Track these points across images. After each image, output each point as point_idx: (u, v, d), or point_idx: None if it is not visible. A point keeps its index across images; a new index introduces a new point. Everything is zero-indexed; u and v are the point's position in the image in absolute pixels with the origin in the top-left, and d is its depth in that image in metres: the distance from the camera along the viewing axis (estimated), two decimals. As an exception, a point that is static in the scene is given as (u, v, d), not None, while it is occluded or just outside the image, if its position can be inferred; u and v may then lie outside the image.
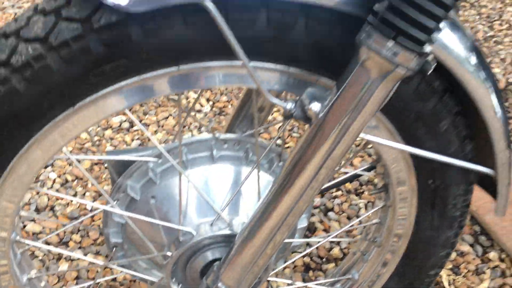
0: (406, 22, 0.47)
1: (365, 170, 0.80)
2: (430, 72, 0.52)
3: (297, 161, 0.58)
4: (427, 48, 0.50)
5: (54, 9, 0.50)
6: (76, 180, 1.40)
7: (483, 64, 0.61)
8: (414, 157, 0.68)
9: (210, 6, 0.48)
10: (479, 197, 1.28)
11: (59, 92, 0.53)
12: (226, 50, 0.52)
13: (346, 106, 0.53)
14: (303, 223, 0.80)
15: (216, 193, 0.70)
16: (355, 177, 1.12)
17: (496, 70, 1.81)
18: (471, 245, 1.23)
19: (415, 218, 0.76)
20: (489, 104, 0.62)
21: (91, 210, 1.31)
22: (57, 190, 1.38)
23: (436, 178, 0.71)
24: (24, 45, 0.50)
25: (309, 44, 0.55)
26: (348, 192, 1.38)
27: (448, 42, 0.58)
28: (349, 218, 1.32)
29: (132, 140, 1.54)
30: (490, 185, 0.72)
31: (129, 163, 0.71)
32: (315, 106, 0.55)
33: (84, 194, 1.36)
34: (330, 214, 1.32)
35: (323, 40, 0.55)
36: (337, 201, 1.36)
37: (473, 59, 0.60)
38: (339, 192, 1.38)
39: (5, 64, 0.50)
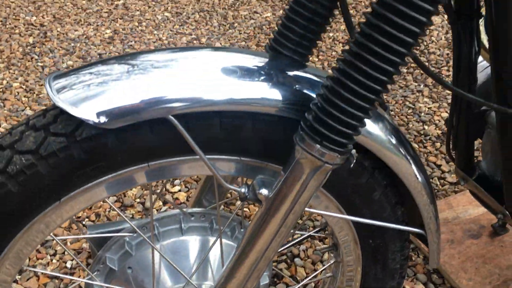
0: (329, 131, 0.59)
1: (317, 232, 0.92)
2: (353, 163, 0.64)
3: (254, 232, 0.69)
4: (350, 146, 0.62)
5: (43, 125, 0.61)
6: (54, 240, 1.47)
7: (402, 141, 0.74)
8: (355, 222, 0.80)
9: (173, 119, 0.60)
10: (430, 238, 1.41)
11: (47, 191, 0.63)
12: (188, 148, 0.63)
13: (289, 192, 0.65)
14: (265, 280, 0.90)
15: (186, 261, 0.80)
16: (309, 237, 1.24)
17: (444, 115, 1.97)
18: (424, 284, 1.35)
19: (362, 271, 0.87)
20: (410, 173, 0.75)
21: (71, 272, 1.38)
22: (37, 250, 1.44)
23: (375, 238, 0.82)
24: (18, 156, 0.60)
25: (256, 140, 0.67)
26: (313, 238, 1.49)
27: (371, 129, 0.70)
28: (313, 263, 1.42)
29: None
30: (425, 238, 0.84)
31: (108, 237, 0.81)
32: (264, 191, 0.66)
33: (63, 253, 1.43)
34: (296, 260, 1.43)
35: (268, 136, 0.67)
36: (302, 247, 1.46)
37: (393, 140, 0.72)
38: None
39: (2, 172, 0.60)
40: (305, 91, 0.66)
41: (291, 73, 0.68)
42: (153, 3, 2.80)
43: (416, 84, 2.14)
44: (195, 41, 2.43)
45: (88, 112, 0.58)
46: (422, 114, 1.97)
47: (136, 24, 2.56)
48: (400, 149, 0.73)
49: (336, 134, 0.59)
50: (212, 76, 0.63)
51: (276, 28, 0.74)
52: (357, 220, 0.77)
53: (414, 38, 0.55)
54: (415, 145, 1.81)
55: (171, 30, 2.52)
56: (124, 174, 0.65)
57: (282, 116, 0.65)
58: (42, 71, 2.12)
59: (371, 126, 0.70)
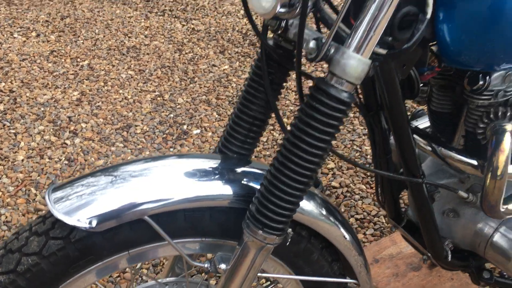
0: (268, 220, 0.77)
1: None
2: (289, 240, 0.83)
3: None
4: (286, 228, 0.81)
5: (44, 231, 0.77)
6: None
7: (331, 211, 0.93)
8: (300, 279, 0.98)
9: (148, 219, 0.77)
10: (377, 273, 1.60)
11: (48, 283, 0.78)
12: (160, 237, 0.80)
13: (241, 266, 0.82)
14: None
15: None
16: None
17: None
18: (375, 316, 1.53)
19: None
20: (339, 235, 0.93)
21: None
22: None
23: (319, 289, 1.01)
24: (26, 258, 0.76)
25: (215, 225, 0.85)
26: None
27: (304, 206, 0.89)
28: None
29: None
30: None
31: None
32: (222, 266, 0.84)
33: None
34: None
35: (224, 221, 0.85)
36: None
37: (323, 211, 0.91)
38: None
39: (13, 271, 0.76)
40: (250, 184, 0.85)
41: (239, 170, 0.87)
42: (117, 61, 2.98)
43: (362, 127, 2.37)
44: (158, 98, 2.60)
45: (79, 220, 0.75)
46: (369, 156, 2.19)
47: (102, 84, 2.72)
48: (330, 218, 0.93)
49: (274, 222, 0.78)
50: (177, 181, 0.81)
51: (223, 131, 0.93)
52: (300, 278, 0.95)
53: (333, 135, 0.74)
54: (363, 186, 2.02)
55: (135, 88, 2.69)
56: (110, 261, 0.82)
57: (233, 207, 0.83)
58: (15, 137, 2.25)
59: (304, 203, 0.89)
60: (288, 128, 0.77)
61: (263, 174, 0.85)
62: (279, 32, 0.82)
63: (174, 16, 3.67)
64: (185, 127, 2.37)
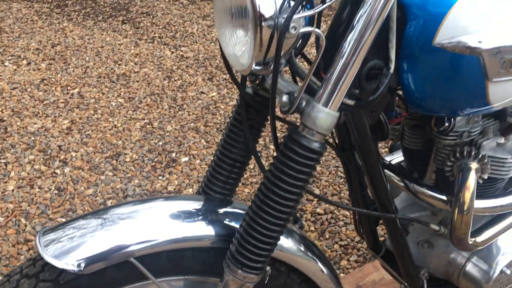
0: (247, 260, 0.82)
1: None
2: (267, 278, 0.87)
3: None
4: (265, 266, 0.85)
5: (34, 274, 0.81)
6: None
7: (309, 246, 0.98)
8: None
9: (134, 261, 0.82)
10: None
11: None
12: (144, 277, 0.85)
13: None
14: None
15: None
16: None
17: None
18: None
19: None
20: (317, 269, 0.98)
21: None
22: None
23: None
24: None
25: (197, 263, 0.90)
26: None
27: (283, 244, 0.94)
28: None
29: None
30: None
31: None
32: (205, 302, 0.88)
33: None
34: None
35: (206, 260, 0.90)
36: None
37: (302, 247, 0.97)
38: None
39: None
40: (231, 224, 0.90)
41: (220, 210, 0.92)
42: (107, 89, 3.03)
43: (347, 154, 2.44)
44: (148, 126, 2.66)
45: (68, 263, 0.79)
46: (353, 182, 2.24)
47: (92, 112, 2.77)
48: (308, 253, 0.98)
49: (252, 262, 0.83)
50: (162, 223, 0.86)
51: (206, 173, 0.98)
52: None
53: (306, 180, 0.80)
54: (347, 213, 2.08)
55: (125, 116, 2.75)
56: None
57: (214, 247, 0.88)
58: (5, 167, 2.28)
59: (283, 241, 0.94)
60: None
61: (243, 215, 0.90)
62: (257, 82, 0.88)
63: (163, 43, 3.74)
64: (173, 155, 2.42)
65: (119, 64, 3.41)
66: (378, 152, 0.99)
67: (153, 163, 2.36)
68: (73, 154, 2.39)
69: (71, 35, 3.92)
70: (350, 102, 0.81)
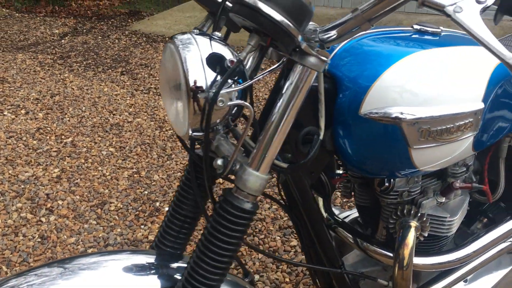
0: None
1: None
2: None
3: None
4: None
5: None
6: None
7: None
8: None
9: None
10: None
11: None
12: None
13: None
14: None
15: None
16: None
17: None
18: None
19: None
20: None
21: None
22: None
23: None
24: None
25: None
26: None
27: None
28: None
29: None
30: None
31: None
32: None
33: None
34: None
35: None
36: None
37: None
38: None
39: None
40: (179, 277, 0.96)
41: (170, 265, 0.98)
42: (99, 139, 3.14)
43: (327, 205, 2.49)
44: (135, 175, 2.73)
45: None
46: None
47: (83, 161, 2.86)
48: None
49: None
50: (115, 276, 0.92)
51: (159, 229, 1.05)
52: None
53: (240, 238, 0.86)
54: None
55: (114, 165, 2.83)
56: None
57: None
58: (-7, 215, 2.35)
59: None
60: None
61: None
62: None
63: (158, 93, 3.88)
64: (157, 204, 2.49)
65: (114, 114, 3.53)
66: (320, 210, 1.05)
67: (137, 212, 2.41)
68: (60, 202, 2.46)
69: (71, 85, 4.08)
70: (283, 165, 0.89)
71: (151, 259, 0.99)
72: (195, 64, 0.78)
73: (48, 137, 3.13)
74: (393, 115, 0.87)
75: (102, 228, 2.29)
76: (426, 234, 1.10)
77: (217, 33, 0.84)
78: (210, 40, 0.82)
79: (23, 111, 3.51)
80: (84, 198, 2.51)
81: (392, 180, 1.07)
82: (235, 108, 0.85)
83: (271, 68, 0.85)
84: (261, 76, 0.83)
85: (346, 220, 1.36)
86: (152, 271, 0.96)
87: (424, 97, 0.89)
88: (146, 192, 2.58)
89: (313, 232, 1.07)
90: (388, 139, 0.91)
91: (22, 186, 2.58)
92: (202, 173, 1.01)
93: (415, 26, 1.03)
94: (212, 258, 0.85)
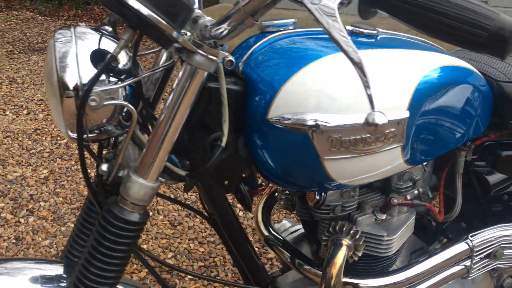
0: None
1: None
2: None
3: None
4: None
5: None
6: None
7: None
8: None
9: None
10: None
11: None
12: None
13: None
14: None
15: None
16: None
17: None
18: None
19: None
20: None
21: None
22: None
23: None
24: None
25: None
26: None
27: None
28: None
29: None
30: None
31: None
32: None
33: None
34: None
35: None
36: None
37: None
38: None
39: None
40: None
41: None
42: (93, 141, 3.12)
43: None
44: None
45: None
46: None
47: (73, 163, 2.85)
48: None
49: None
50: (19, 286, 0.87)
51: (69, 238, 0.99)
52: None
53: (127, 251, 0.79)
54: (298, 279, 2.01)
55: (103, 168, 2.80)
56: None
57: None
58: (-25, 214, 2.35)
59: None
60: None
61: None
62: (110, 148, 0.90)
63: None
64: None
65: (113, 117, 3.52)
66: (238, 224, 0.98)
67: (117, 217, 2.37)
68: (42, 204, 2.44)
69: (76, 87, 4.10)
70: (182, 173, 0.82)
71: (59, 269, 0.94)
72: (70, 60, 0.72)
73: (44, 138, 3.14)
74: (299, 122, 0.79)
75: (78, 231, 2.26)
76: (359, 254, 1.01)
77: (107, 27, 0.78)
78: (101, 35, 0.77)
79: (24, 112, 3.54)
80: (67, 201, 2.49)
81: (323, 193, 0.98)
82: (125, 108, 0.79)
83: (161, 66, 0.78)
84: (147, 74, 0.76)
85: (296, 234, 1.28)
86: (57, 281, 0.90)
87: (335, 103, 0.80)
88: (129, 197, 2.54)
89: (235, 248, 0.99)
90: (298, 147, 0.83)
91: (9, 186, 2.58)
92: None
93: (348, 27, 0.94)
94: (95, 272, 0.79)
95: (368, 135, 0.81)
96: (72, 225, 2.30)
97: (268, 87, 0.82)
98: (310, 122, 0.78)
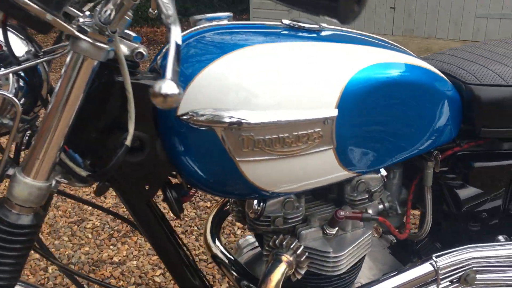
0: None
1: None
2: None
3: None
4: None
5: None
6: None
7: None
8: None
9: None
10: None
11: None
12: None
13: None
14: None
15: None
16: None
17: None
18: None
19: None
20: None
21: None
22: None
23: None
24: None
25: None
26: None
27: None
28: None
29: None
30: None
31: None
32: None
33: None
34: None
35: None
36: None
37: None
38: None
39: None
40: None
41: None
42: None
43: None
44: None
45: None
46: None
47: (79, 177, 2.85)
48: None
49: None
50: None
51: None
52: None
53: (22, 256, 0.73)
54: None
55: (108, 183, 2.79)
56: None
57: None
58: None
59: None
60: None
61: None
62: None
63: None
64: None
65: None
66: (165, 231, 0.90)
67: (112, 232, 2.33)
68: (41, 216, 2.44)
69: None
70: (83, 173, 0.75)
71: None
72: None
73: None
74: (207, 118, 0.71)
75: (72, 245, 2.23)
76: (302, 272, 0.90)
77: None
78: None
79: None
80: (66, 214, 2.48)
81: (262, 203, 0.89)
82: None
83: (50, 55, 0.73)
84: (29, 64, 0.70)
85: (258, 250, 1.18)
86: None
87: (249, 98, 0.72)
88: (127, 212, 2.50)
89: (164, 262, 0.91)
90: (212, 148, 0.75)
91: (12, 199, 2.60)
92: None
93: (285, 21, 0.86)
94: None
95: (285, 135, 0.72)
96: (66, 239, 2.28)
97: (181, 80, 0.75)
98: (219, 119, 0.70)
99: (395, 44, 0.99)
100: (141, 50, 0.74)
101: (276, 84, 0.73)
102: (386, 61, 0.82)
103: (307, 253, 0.90)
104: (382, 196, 1.06)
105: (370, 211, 1.03)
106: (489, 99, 0.93)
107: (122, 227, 2.37)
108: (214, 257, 1.06)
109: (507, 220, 1.05)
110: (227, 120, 0.70)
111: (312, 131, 0.73)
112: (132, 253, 2.19)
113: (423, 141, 0.90)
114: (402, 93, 0.82)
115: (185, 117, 0.72)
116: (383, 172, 0.97)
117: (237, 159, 0.73)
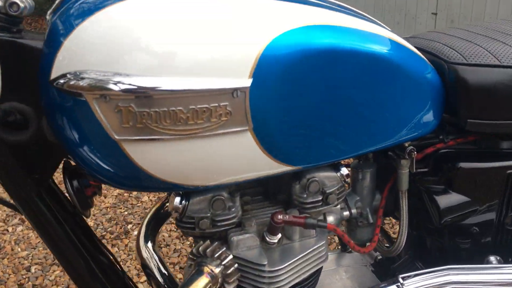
0: None
1: None
2: None
3: None
4: None
5: None
6: None
7: None
8: None
9: None
10: None
11: None
12: None
13: None
14: None
15: None
16: None
17: None
18: None
19: None
20: None
21: None
22: None
23: None
24: None
25: None
26: None
27: None
28: None
29: None
30: None
31: None
32: None
33: None
34: None
35: None
36: None
37: None
38: None
39: None
40: None
41: None
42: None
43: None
44: (125, 194, 2.57)
45: None
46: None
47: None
48: None
49: None
50: None
51: None
52: None
53: None
54: None
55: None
56: None
57: None
58: (-29, 219, 2.32)
59: None
60: None
61: None
62: None
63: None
64: (129, 226, 2.28)
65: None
66: (65, 229, 0.75)
67: (104, 233, 2.23)
68: (36, 214, 2.36)
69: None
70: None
71: None
72: None
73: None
74: (71, 82, 0.56)
75: (60, 245, 2.13)
76: (231, 287, 0.73)
77: None
78: None
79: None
80: (62, 213, 2.39)
81: (184, 200, 0.73)
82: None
83: None
84: None
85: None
86: None
87: (123, 59, 0.56)
88: (126, 213, 2.39)
89: (60, 261, 0.77)
90: (89, 121, 0.59)
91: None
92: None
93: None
94: None
95: (178, 108, 0.56)
96: (57, 238, 2.18)
97: (55, 37, 0.61)
98: (87, 83, 0.55)
99: (369, 16, 0.81)
100: (17, 0, 0.60)
101: (175, 43, 0.57)
102: (330, 23, 0.64)
103: (236, 265, 0.73)
104: (349, 201, 0.88)
105: (331, 218, 0.85)
106: (478, 83, 0.74)
107: (116, 229, 2.26)
108: (144, 265, 0.90)
109: (502, 237, 0.84)
110: (97, 85, 0.55)
111: (216, 105, 0.57)
112: (120, 257, 2.07)
113: (385, 131, 0.71)
114: (349, 65, 0.64)
115: (55, 82, 0.58)
116: (344, 170, 0.79)
117: (117, 137, 0.57)
